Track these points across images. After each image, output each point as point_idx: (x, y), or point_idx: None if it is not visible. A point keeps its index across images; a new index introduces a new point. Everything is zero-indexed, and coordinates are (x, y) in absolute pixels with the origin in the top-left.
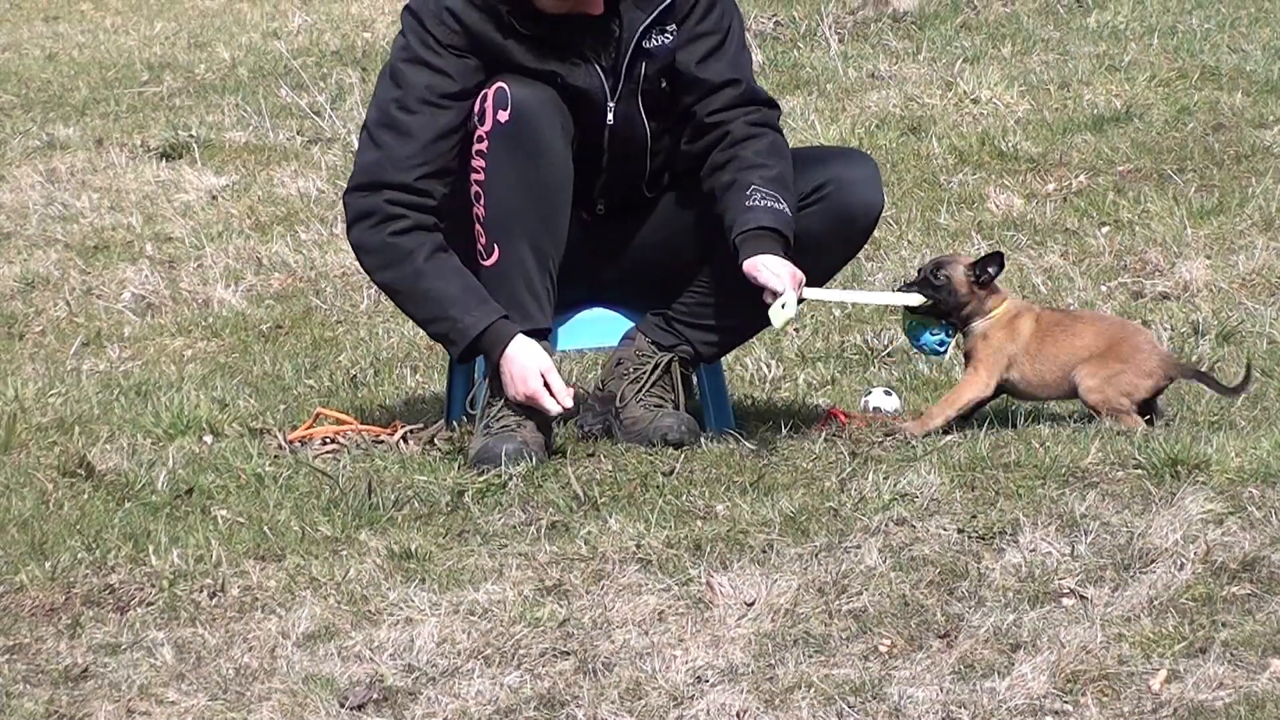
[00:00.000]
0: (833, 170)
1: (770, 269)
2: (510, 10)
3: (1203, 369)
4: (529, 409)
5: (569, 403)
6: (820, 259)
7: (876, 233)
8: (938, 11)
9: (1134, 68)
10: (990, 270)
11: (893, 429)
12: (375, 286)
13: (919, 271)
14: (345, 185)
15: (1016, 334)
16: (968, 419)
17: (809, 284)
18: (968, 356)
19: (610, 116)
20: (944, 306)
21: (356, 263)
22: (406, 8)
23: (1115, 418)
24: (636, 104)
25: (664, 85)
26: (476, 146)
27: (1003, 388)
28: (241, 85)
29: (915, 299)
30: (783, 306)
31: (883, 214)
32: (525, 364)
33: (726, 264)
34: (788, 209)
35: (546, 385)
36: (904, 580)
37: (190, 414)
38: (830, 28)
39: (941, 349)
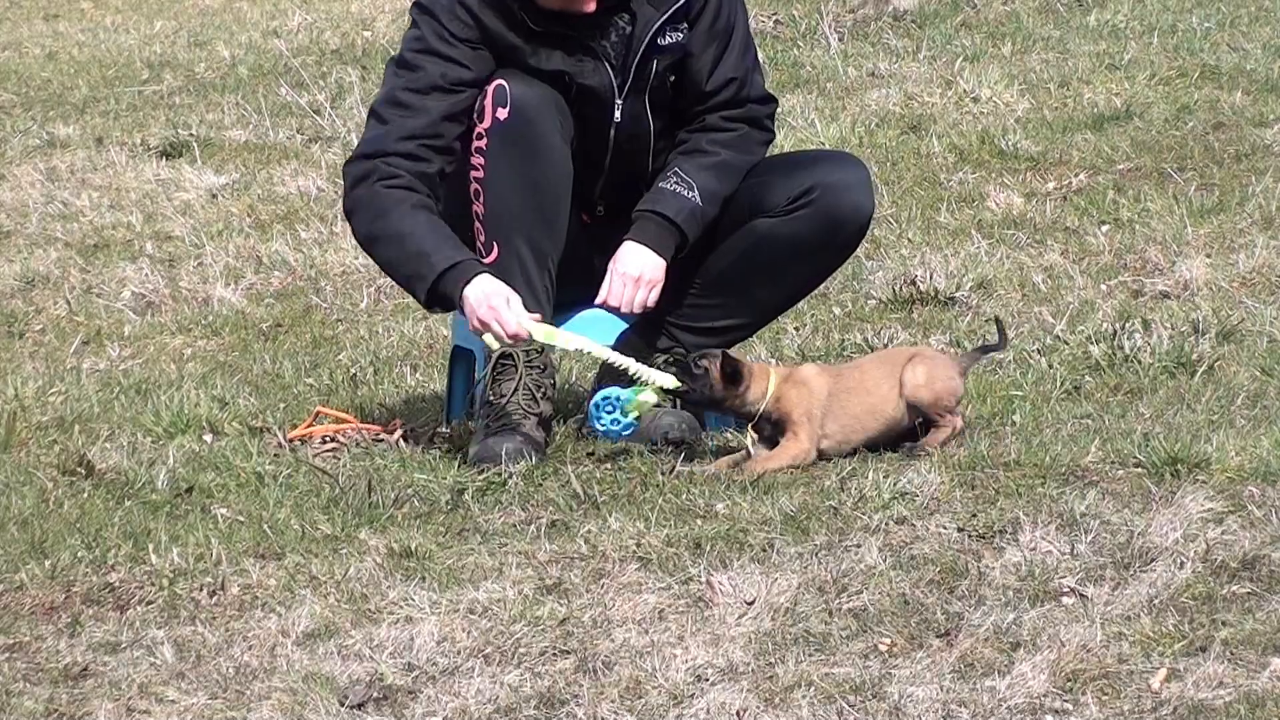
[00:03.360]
0: (820, 174)
1: (624, 264)
2: (520, 5)
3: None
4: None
5: (527, 330)
6: (811, 263)
7: (877, 232)
8: (938, 10)
9: (1134, 66)
10: (732, 369)
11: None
12: (361, 249)
13: (676, 358)
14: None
15: (809, 387)
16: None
17: (800, 291)
18: (780, 426)
19: (618, 114)
20: (694, 397)
21: (355, 257)
22: (416, 4)
23: (940, 417)
24: (644, 101)
25: (671, 80)
26: (476, 144)
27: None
28: (241, 84)
29: (670, 380)
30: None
31: (874, 216)
32: (488, 290)
33: (719, 268)
34: (697, 198)
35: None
36: (904, 579)
37: (190, 412)
38: (830, 26)
39: (622, 432)
